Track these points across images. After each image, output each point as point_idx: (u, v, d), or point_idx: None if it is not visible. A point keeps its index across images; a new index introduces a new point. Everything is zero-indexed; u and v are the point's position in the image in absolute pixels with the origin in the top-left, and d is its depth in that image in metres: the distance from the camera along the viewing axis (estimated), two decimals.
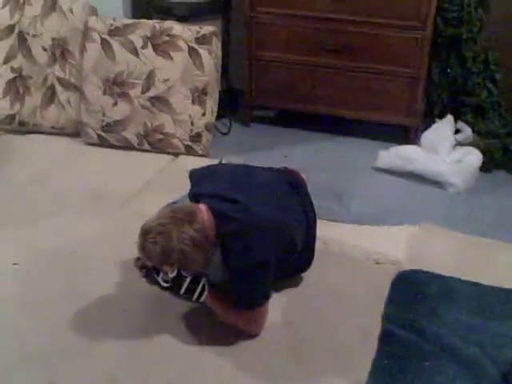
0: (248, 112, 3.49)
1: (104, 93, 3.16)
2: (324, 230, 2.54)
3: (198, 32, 3.07)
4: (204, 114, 3.07)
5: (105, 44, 3.15)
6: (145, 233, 1.86)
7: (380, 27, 3.07)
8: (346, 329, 2.06)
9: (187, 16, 3.30)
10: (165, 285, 1.92)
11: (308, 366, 1.91)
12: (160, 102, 3.10)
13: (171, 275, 1.89)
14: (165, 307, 2.11)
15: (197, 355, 1.95)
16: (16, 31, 3.26)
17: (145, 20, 3.20)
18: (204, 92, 3.08)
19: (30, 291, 2.21)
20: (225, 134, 3.36)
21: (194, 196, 2.09)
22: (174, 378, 1.86)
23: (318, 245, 2.44)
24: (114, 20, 3.19)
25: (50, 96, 3.30)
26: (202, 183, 2.15)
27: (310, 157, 3.18)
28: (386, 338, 1.97)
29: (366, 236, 2.55)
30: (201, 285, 1.93)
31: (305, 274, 2.30)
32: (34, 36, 3.26)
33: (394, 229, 2.59)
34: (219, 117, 3.29)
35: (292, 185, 2.28)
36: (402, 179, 2.97)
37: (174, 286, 1.92)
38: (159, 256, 1.85)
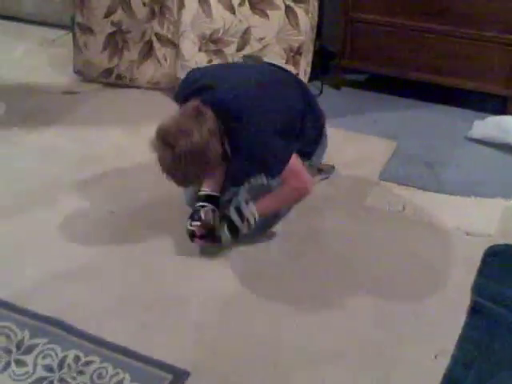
0: (340, 75, 3.45)
1: (200, 49, 3.20)
2: (414, 198, 2.54)
3: None
4: (298, 75, 3.06)
5: (203, 1, 3.17)
6: (163, 139, 1.98)
7: None
8: (435, 299, 2.05)
9: None
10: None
11: (394, 335, 1.92)
12: (254, 61, 3.11)
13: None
14: None
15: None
16: None
17: None
18: (298, 52, 3.07)
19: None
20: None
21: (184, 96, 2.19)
22: None
23: (407, 213, 2.44)
24: None
25: (148, 51, 3.37)
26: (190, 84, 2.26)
27: (401, 123, 3.12)
28: (475, 310, 1.96)
29: (457, 206, 2.51)
30: (243, 206, 2.16)
31: (394, 242, 2.30)
32: None
33: (486, 201, 2.53)
34: (311, 78, 3.27)
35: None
36: (497, 151, 2.88)
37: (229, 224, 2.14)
38: (182, 148, 1.95)
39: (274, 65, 2.54)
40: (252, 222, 2.18)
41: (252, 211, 2.17)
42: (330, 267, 2.20)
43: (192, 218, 2.22)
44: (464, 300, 2.03)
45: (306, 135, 2.31)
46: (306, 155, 2.34)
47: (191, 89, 2.21)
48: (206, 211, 2.23)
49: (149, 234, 2.32)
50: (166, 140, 1.98)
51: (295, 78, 2.54)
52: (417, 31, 3.13)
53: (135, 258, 2.24)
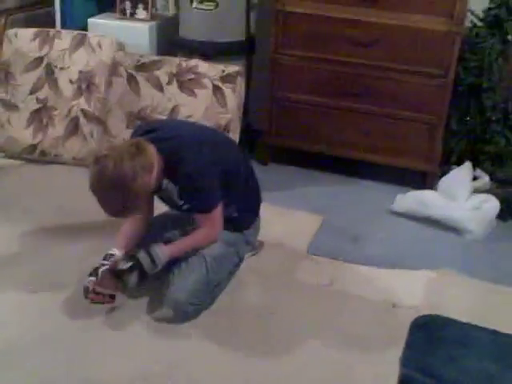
0: (267, 152, 3.53)
1: (127, 126, 3.20)
2: (339, 271, 2.57)
3: (223, 71, 3.13)
4: None
5: (131, 79, 3.21)
6: (98, 153, 2.06)
7: (402, 73, 3.11)
8: (363, 372, 2.04)
9: (212, 55, 3.36)
10: (125, 267, 2.13)
11: None
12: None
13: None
14: None
15: None
16: (44, 63, 3.34)
17: (171, 57, 3.27)
18: (226, 129, 3.12)
19: None
20: None
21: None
22: None
23: (334, 286, 2.46)
24: (141, 56, 3.27)
25: (73, 127, 3.35)
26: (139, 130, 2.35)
27: (328, 198, 3.20)
28: (403, 382, 1.95)
29: (382, 279, 2.55)
30: (153, 248, 2.18)
31: (321, 316, 2.30)
32: (62, 69, 3.33)
33: (411, 273, 2.59)
34: None
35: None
36: (418, 224, 2.98)
37: (136, 267, 2.14)
38: (110, 174, 1.98)
39: None
40: (160, 266, 2.20)
41: (163, 255, 2.19)
42: (260, 342, 2.16)
43: (90, 274, 2.19)
44: (394, 372, 2.02)
45: (247, 204, 2.41)
46: (241, 228, 2.40)
47: (139, 134, 2.26)
48: (103, 270, 2.18)
49: (72, 313, 2.22)
50: (97, 162, 2.03)
51: (235, 143, 2.72)
52: (339, 110, 3.28)
53: (56, 339, 2.13)
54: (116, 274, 2.16)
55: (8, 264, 2.52)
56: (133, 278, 2.16)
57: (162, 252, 2.19)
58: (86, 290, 2.16)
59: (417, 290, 2.47)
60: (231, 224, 2.34)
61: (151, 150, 2.10)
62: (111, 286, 2.17)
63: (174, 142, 2.18)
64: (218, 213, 2.23)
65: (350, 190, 3.29)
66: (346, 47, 3.16)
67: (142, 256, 2.17)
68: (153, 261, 2.17)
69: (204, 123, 2.86)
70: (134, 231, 2.31)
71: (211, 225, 2.25)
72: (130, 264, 2.15)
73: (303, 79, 3.29)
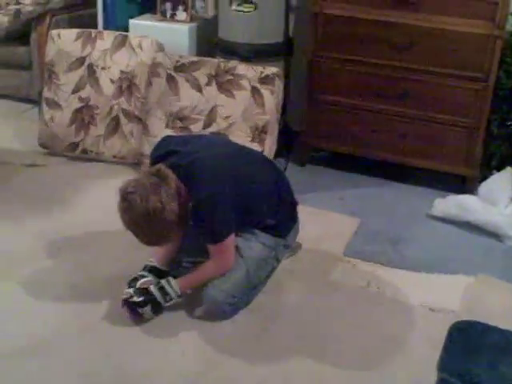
0: (305, 153, 3.53)
1: (166, 126, 3.24)
2: (377, 274, 2.56)
3: (262, 72, 3.15)
4: (263, 152, 3.11)
5: (170, 79, 3.25)
6: (124, 190, 2.05)
7: (442, 77, 3.09)
8: (401, 375, 2.04)
9: (251, 56, 3.38)
10: (139, 300, 2.16)
11: None
12: (220, 136, 3.16)
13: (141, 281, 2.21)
14: None
15: None
16: (86, 63, 3.40)
17: (210, 58, 3.30)
18: (264, 131, 3.14)
19: None
20: None
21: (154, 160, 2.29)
22: None
23: (371, 289, 2.46)
24: (181, 57, 3.30)
25: (114, 126, 3.40)
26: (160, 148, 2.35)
27: (365, 201, 3.18)
28: None
29: (420, 283, 2.54)
30: (165, 283, 2.20)
31: (358, 318, 2.30)
32: (103, 68, 3.39)
33: (449, 278, 2.57)
34: (276, 156, 3.33)
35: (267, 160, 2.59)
36: (457, 228, 2.95)
37: (150, 299, 2.17)
38: (140, 209, 2.01)
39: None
40: (174, 299, 2.22)
41: (175, 289, 2.21)
42: (297, 342, 2.17)
43: (128, 285, 2.24)
44: (431, 377, 2.01)
45: (281, 213, 2.37)
46: (281, 234, 2.38)
47: (160, 154, 2.28)
48: (143, 283, 2.23)
49: (112, 308, 2.26)
50: (124, 200, 2.05)
51: (265, 157, 2.64)
52: (377, 113, 3.26)
53: (97, 333, 2.18)
54: (129, 305, 2.20)
55: (49, 258, 2.57)
56: (147, 310, 2.19)
57: (174, 285, 2.21)
58: (122, 303, 2.22)
59: (455, 295, 2.45)
60: (271, 230, 2.35)
61: (172, 176, 2.11)
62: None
63: (190, 168, 2.15)
64: (229, 243, 2.20)
65: (388, 193, 3.27)
66: (384, 50, 3.14)
67: (154, 290, 2.20)
68: (165, 294, 2.20)
69: (232, 140, 2.86)
70: (169, 248, 2.33)
71: (222, 256, 2.22)
72: (142, 298, 2.18)
73: (341, 81, 3.29)
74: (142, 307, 2.18)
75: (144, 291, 2.20)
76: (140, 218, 2.04)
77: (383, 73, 3.19)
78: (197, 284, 2.27)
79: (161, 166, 2.14)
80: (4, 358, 2.03)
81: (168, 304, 2.23)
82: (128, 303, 2.19)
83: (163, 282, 2.21)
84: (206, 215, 2.14)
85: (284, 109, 3.42)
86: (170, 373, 2.01)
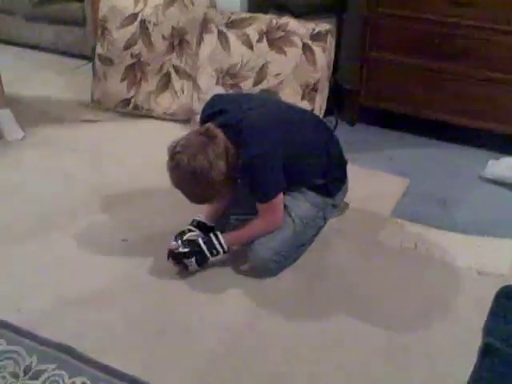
0: (355, 111, 3.49)
1: (217, 83, 3.25)
2: (425, 236, 2.53)
3: (314, 29, 3.09)
4: (313, 110, 3.09)
5: (221, 36, 3.23)
6: (172, 150, 2.08)
7: (498, 34, 2.96)
8: (447, 338, 2.03)
9: (303, 13, 3.32)
10: (185, 250, 2.21)
11: (406, 374, 1.91)
12: (270, 94, 3.15)
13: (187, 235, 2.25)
14: None
15: None
16: (138, 19, 3.41)
17: (261, 14, 3.26)
18: (314, 89, 3.11)
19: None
20: None
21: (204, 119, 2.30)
22: None
23: (419, 250, 2.44)
24: (232, 13, 3.28)
25: (165, 83, 3.43)
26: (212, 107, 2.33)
27: (415, 161, 3.14)
28: (486, 351, 1.93)
29: (469, 245, 2.50)
30: (213, 236, 2.23)
31: (404, 279, 2.30)
32: (155, 24, 3.39)
33: (499, 241, 2.52)
34: (326, 114, 3.30)
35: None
36: (510, 191, 2.88)
37: (197, 251, 2.21)
38: (187, 169, 2.04)
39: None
40: (221, 253, 2.26)
41: (222, 244, 2.24)
42: (342, 302, 2.19)
43: (175, 238, 2.28)
44: (475, 340, 2.00)
45: (330, 172, 2.36)
46: (330, 194, 2.38)
47: (210, 112, 2.29)
48: (190, 235, 2.28)
49: (162, 263, 2.32)
50: (172, 159, 2.08)
51: (315, 116, 2.61)
52: (432, 71, 3.17)
53: (147, 286, 2.25)
54: (175, 256, 2.24)
55: (100, 213, 2.65)
56: (192, 263, 2.23)
57: (222, 240, 2.24)
58: (168, 254, 2.27)
59: (504, 259, 2.41)
60: (319, 190, 2.35)
61: (221, 135, 2.12)
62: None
63: (240, 128, 2.15)
64: (278, 201, 2.21)
65: (439, 154, 3.21)
66: (441, 6, 3.03)
67: (202, 243, 2.23)
68: (212, 248, 2.23)
69: (282, 98, 2.89)
70: (218, 205, 2.36)
71: (271, 214, 2.23)
72: (188, 249, 2.22)
73: (395, 39, 3.20)
74: (187, 258, 2.23)
75: (191, 243, 2.24)
76: (187, 178, 2.06)
77: (440, 30, 3.08)
78: (244, 240, 2.30)
79: (210, 125, 2.15)
80: (60, 308, 2.12)
81: (214, 258, 2.27)
82: (174, 254, 2.24)
83: (211, 235, 2.25)
84: (256, 175, 2.15)
85: (335, 67, 3.37)
86: (213, 327, 2.06)
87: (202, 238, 2.26)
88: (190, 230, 2.31)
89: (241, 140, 2.14)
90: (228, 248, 2.27)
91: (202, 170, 2.05)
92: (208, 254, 2.24)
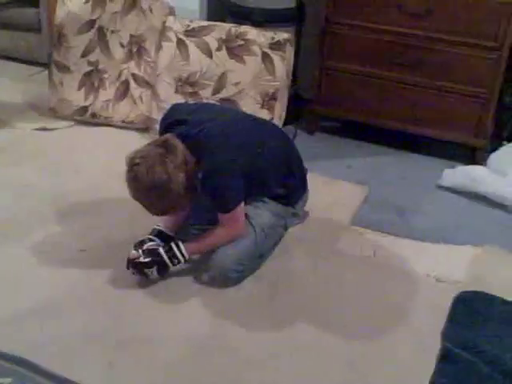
0: (314, 121, 3.52)
1: (176, 91, 3.23)
2: (383, 243, 2.56)
3: (273, 38, 3.10)
4: (272, 119, 3.09)
5: (180, 44, 3.22)
6: (130, 161, 2.05)
7: (454, 45, 3.04)
8: (406, 344, 2.05)
9: (262, 22, 3.34)
10: (146, 260, 2.19)
11: (364, 378, 1.92)
12: (229, 104, 3.15)
13: (148, 244, 2.23)
14: None
15: None
16: (96, 26, 3.36)
17: (220, 23, 3.27)
18: (274, 97, 3.12)
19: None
20: None
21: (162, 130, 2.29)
22: None
23: (377, 258, 2.47)
24: (191, 21, 3.26)
25: (124, 91, 3.39)
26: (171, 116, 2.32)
27: (373, 170, 3.18)
28: (445, 356, 1.96)
29: (427, 253, 2.53)
30: (174, 245, 2.21)
31: (363, 286, 2.32)
32: (113, 32, 3.36)
33: (456, 248, 2.57)
34: (285, 123, 3.32)
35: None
36: (466, 199, 2.94)
37: (158, 260, 2.19)
38: (145, 181, 2.01)
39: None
40: (182, 262, 2.25)
41: (183, 253, 2.22)
42: (302, 309, 2.19)
43: (135, 247, 2.25)
44: (434, 346, 2.03)
45: (291, 181, 2.38)
46: (290, 203, 2.40)
47: (169, 122, 2.28)
48: (150, 245, 2.26)
49: (121, 272, 2.27)
50: (131, 171, 2.05)
51: (274, 126, 2.63)
52: (388, 81, 3.23)
53: (105, 296, 2.20)
54: (135, 266, 2.22)
55: (58, 222, 2.59)
56: (153, 271, 2.21)
57: (183, 249, 2.22)
58: (128, 264, 2.24)
59: (461, 266, 2.45)
60: (280, 199, 2.35)
61: (180, 146, 2.10)
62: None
63: (199, 138, 2.14)
64: (239, 211, 2.20)
65: (398, 163, 3.26)
66: (398, 17, 3.09)
67: (163, 252, 2.21)
68: (173, 257, 2.21)
69: (241, 108, 2.92)
70: (177, 215, 2.34)
71: (232, 223, 2.22)
72: (149, 259, 2.20)
73: (353, 49, 3.25)
74: (149, 268, 2.20)
75: (152, 252, 2.22)
76: (146, 190, 2.04)
77: (396, 40, 3.14)
78: (205, 249, 2.29)
79: (168, 137, 2.14)
80: (16, 320, 2.06)
81: (174, 267, 2.25)
82: (134, 264, 2.21)
83: (172, 244, 2.23)
84: (216, 184, 2.14)
85: (294, 75, 3.40)
86: (174, 337, 2.03)
87: (163, 247, 2.23)
88: (150, 240, 2.29)
89: (200, 151, 2.13)
90: (189, 257, 2.25)
91: (161, 183, 2.02)
92: (169, 263, 2.22)
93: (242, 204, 2.21)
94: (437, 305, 2.22)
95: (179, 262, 2.23)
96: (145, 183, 2.03)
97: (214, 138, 2.16)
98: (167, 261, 2.21)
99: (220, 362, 1.95)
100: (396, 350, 2.03)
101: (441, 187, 3.02)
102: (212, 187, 2.15)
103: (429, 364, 1.96)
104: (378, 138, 3.42)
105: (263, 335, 2.07)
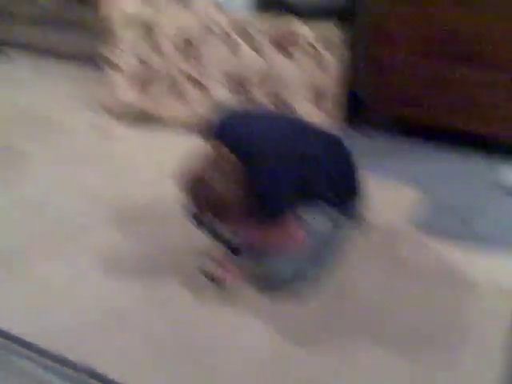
0: (369, 119, 3.43)
1: (225, 87, 3.23)
2: (448, 252, 2.50)
3: (323, 33, 3.04)
4: (324, 118, 3.04)
5: (232, 43, 3.19)
6: (187, 182, 2.07)
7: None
8: (471, 355, 2.02)
9: (313, 16, 3.27)
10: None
11: None
12: (278, 100, 3.11)
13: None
14: None
15: None
16: (146, 23, 3.35)
17: (269, 17, 3.20)
18: (326, 96, 3.06)
19: None
20: None
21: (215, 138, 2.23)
22: None
23: (442, 268, 2.42)
24: (239, 16, 3.22)
25: (177, 91, 3.38)
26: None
27: (433, 171, 3.09)
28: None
29: (490, 260, 2.46)
30: None
31: (427, 296, 2.28)
32: (162, 28, 3.33)
33: None
34: (338, 123, 3.25)
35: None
36: None
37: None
38: (208, 198, 2.04)
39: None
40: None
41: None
42: (367, 323, 2.17)
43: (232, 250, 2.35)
44: (498, 358, 1.99)
45: (342, 185, 2.35)
46: (344, 208, 2.37)
47: (221, 131, 2.25)
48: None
49: (184, 281, 2.31)
50: (191, 191, 2.07)
51: (327, 134, 2.53)
52: (446, 77, 3.10)
53: (170, 308, 2.22)
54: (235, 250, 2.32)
55: (119, 228, 2.62)
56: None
57: None
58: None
59: None
60: (334, 204, 2.31)
61: (232, 158, 2.09)
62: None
63: (251, 148, 2.13)
64: (290, 220, 2.19)
65: (459, 164, 3.14)
66: (458, 8, 2.95)
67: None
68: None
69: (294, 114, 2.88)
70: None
71: (284, 232, 2.22)
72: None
73: (410, 45, 3.12)
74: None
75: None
76: (203, 202, 2.07)
77: (458, 35, 2.99)
78: (261, 241, 2.29)
79: (222, 147, 2.12)
80: (83, 331, 2.09)
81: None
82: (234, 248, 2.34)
83: None
84: (267, 194, 2.12)
85: (349, 74, 3.32)
86: (235, 350, 2.04)
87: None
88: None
89: (251, 163, 2.10)
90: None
91: (219, 194, 2.03)
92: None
93: (293, 213, 2.20)
94: (501, 315, 2.15)
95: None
96: (203, 195, 2.06)
97: (265, 148, 2.14)
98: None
99: (280, 379, 1.94)
100: (462, 362, 1.99)
101: (504, 188, 2.91)
102: (263, 197, 2.12)
103: (493, 377, 1.91)
104: (434, 136, 3.29)
105: (330, 353, 2.04)
